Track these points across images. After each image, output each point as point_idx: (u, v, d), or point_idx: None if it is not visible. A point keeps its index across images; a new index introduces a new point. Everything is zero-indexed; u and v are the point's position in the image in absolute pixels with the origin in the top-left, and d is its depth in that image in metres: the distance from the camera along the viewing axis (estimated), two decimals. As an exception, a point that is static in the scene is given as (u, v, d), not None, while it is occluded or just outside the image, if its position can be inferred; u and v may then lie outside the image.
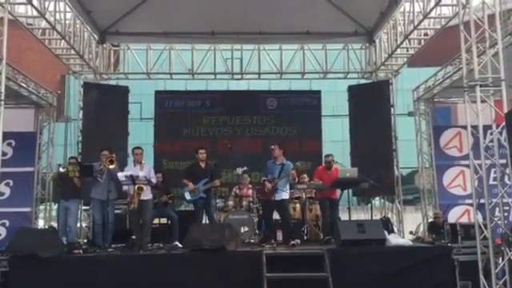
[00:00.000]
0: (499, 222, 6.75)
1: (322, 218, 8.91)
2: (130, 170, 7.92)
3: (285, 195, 8.19)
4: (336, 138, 15.44)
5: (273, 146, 8.29)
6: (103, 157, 8.15)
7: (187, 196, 8.37)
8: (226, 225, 7.90)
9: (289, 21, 10.34)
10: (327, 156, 8.98)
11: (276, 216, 8.42)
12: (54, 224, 9.72)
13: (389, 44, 10.58)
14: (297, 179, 8.58)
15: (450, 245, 7.33)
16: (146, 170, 7.99)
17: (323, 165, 9.04)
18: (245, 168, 8.66)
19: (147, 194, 7.89)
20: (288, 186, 8.28)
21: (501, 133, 6.84)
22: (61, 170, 8.43)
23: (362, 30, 11.07)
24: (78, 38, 10.03)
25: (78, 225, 9.44)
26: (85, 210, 10.23)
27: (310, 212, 9.27)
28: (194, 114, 11.59)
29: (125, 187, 7.82)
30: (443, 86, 9.80)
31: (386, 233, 7.85)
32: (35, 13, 8.42)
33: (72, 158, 9.00)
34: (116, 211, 8.58)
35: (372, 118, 10.98)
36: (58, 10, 9.03)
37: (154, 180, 8.02)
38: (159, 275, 6.84)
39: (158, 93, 12.02)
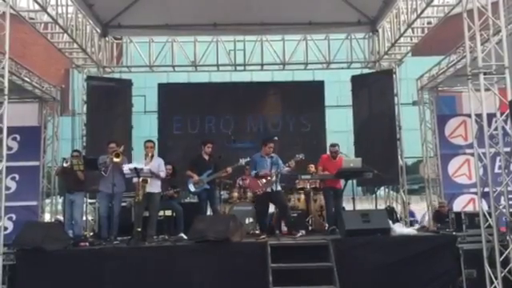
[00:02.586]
0: (504, 211, 6.73)
1: (325, 208, 8.91)
2: (140, 162, 7.99)
3: (279, 187, 8.09)
4: (340, 128, 15.39)
5: (271, 144, 8.12)
6: (110, 149, 8.18)
7: (191, 188, 8.47)
8: (231, 216, 7.93)
9: (291, 11, 10.28)
10: (333, 146, 8.92)
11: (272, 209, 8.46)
12: (60, 217, 9.80)
13: (392, 33, 10.50)
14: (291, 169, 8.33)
15: (454, 233, 7.32)
16: (155, 163, 8.02)
17: (328, 154, 9.02)
18: (248, 159, 8.69)
19: (154, 187, 7.94)
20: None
21: (505, 121, 6.82)
22: (64, 164, 8.47)
23: (364, 19, 10.99)
24: (80, 31, 10.00)
25: (84, 218, 9.51)
26: (90, 203, 10.29)
27: (314, 202, 9.28)
28: (197, 106, 11.59)
29: (134, 180, 7.87)
30: (447, 75, 9.74)
31: (390, 222, 7.87)
32: (37, 7, 8.41)
33: (75, 151, 9.04)
34: (122, 204, 8.61)
35: (376, 108, 10.96)
36: (59, 3, 9.02)
37: (162, 174, 8.04)
38: (165, 267, 6.89)
39: (161, 85, 12.03)
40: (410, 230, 8.17)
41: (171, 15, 10.52)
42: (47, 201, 10.43)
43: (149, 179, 7.78)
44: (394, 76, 10.93)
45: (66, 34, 9.65)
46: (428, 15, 9.40)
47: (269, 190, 7.96)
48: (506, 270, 6.38)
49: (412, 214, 11.73)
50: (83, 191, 8.61)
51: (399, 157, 10.68)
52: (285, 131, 11.30)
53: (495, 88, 6.84)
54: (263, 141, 8.30)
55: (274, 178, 7.93)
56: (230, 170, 8.55)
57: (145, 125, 14.41)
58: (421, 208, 12.57)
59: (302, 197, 9.39)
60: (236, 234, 7.21)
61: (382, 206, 10.58)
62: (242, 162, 8.62)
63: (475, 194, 8.47)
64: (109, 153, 8.14)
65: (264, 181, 7.99)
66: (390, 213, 9.54)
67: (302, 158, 8.14)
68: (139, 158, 8.48)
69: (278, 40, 11.63)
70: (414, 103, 11.31)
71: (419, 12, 8.93)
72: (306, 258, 6.84)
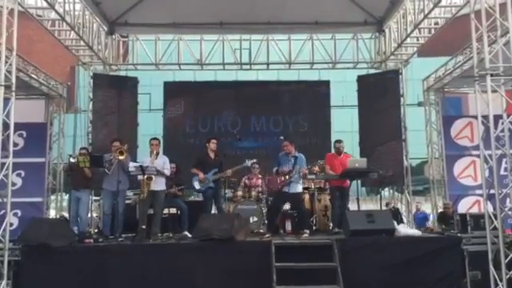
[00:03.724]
0: (510, 213, 6.71)
1: (331, 208, 8.91)
2: (145, 160, 8.03)
3: (299, 188, 8.18)
4: (345, 128, 15.32)
5: (285, 143, 8.21)
6: (114, 147, 8.21)
7: (196, 185, 8.49)
8: (235, 215, 7.92)
9: (297, 11, 10.28)
10: (338, 142, 8.94)
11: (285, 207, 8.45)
12: (65, 214, 9.84)
13: (399, 33, 10.48)
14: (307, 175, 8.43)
15: (459, 235, 7.30)
16: (160, 160, 8.06)
17: (333, 151, 9.05)
18: (254, 160, 8.67)
19: (159, 185, 7.96)
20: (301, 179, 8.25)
21: (512, 123, 6.79)
22: (71, 160, 8.51)
23: (371, 19, 10.99)
24: (87, 29, 10.05)
25: (89, 215, 9.54)
26: (95, 201, 10.32)
27: (318, 202, 9.27)
28: (203, 105, 11.62)
29: (139, 177, 7.89)
30: (453, 76, 9.72)
31: (395, 223, 7.85)
32: (45, 4, 8.46)
33: (83, 148, 9.08)
34: (127, 201, 8.64)
35: (381, 109, 10.94)
36: (67, 1, 9.06)
37: (167, 172, 8.07)
38: (169, 264, 6.89)
39: (166, 84, 12.04)
40: (415, 231, 8.15)
41: (178, 14, 10.54)
42: (52, 197, 10.46)
43: (153, 177, 7.81)
44: (400, 77, 10.92)
45: (72, 32, 9.69)
46: (435, 16, 9.37)
47: (285, 189, 7.98)
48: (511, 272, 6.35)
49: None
50: (89, 188, 8.63)
51: (404, 157, 10.66)
52: (290, 131, 11.29)
53: (502, 89, 6.82)
54: (281, 140, 8.36)
55: (292, 178, 7.94)
56: (229, 172, 8.56)
57: (150, 123, 14.40)
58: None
59: (307, 196, 9.37)
60: (240, 233, 7.21)
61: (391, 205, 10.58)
62: (248, 163, 8.63)
63: (480, 195, 8.44)
64: (113, 151, 8.17)
65: (282, 178, 8.05)
66: (395, 214, 9.51)
67: (320, 163, 8.20)
68: (144, 155, 8.51)
69: (284, 39, 11.63)
70: (420, 104, 11.29)
71: (426, 12, 8.92)
72: (310, 258, 6.82)
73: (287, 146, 8.18)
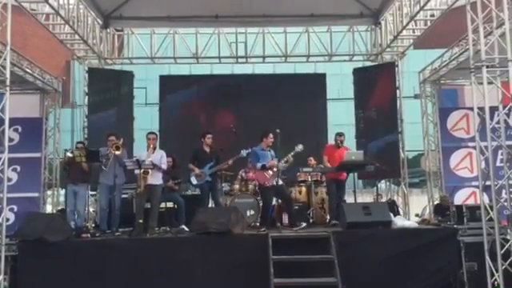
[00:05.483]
0: (505, 204, 6.74)
1: (328, 201, 8.92)
2: (142, 154, 8.03)
3: (280, 180, 8.11)
4: (341, 121, 15.34)
5: (272, 135, 8.13)
6: (110, 142, 8.19)
7: (193, 181, 8.52)
8: (232, 208, 7.94)
9: (293, 3, 10.24)
10: (340, 135, 8.95)
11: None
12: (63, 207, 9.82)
13: (394, 26, 10.45)
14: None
15: (455, 226, 7.34)
16: (157, 155, 8.05)
17: (332, 143, 9.05)
18: (249, 150, 8.67)
19: (156, 179, 7.96)
20: None
21: (507, 114, 6.82)
22: (68, 154, 8.50)
23: (367, 11, 10.94)
24: (81, 22, 9.98)
25: (86, 209, 9.52)
26: (92, 195, 10.29)
27: (315, 195, 9.29)
28: (198, 99, 11.59)
29: (136, 171, 7.88)
30: (450, 68, 9.70)
31: (391, 215, 7.88)
32: (38, -3, 8.40)
33: (79, 142, 9.05)
34: (123, 196, 8.63)
35: (377, 101, 10.93)
36: (61, -6, 9.00)
37: (164, 166, 8.07)
38: (166, 258, 6.92)
39: (162, 77, 12.01)
40: (411, 223, 8.19)
41: (173, 7, 10.47)
42: (49, 192, 10.43)
43: (150, 171, 7.81)
44: (396, 69, 10.91)
45: (67, 26, 9.63)
46: (431, 7, 9.36)
47: (274, 182, 7.98)
48: (507, 262, 6.39)
49: None
50: (87, 183, 8.61)
51: (400, 150, 10.68)
52: (286, 124, 11.21)
53: (498, 81, 6.82)
54: (264, 132, 8.22)
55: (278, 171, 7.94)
56: (230, 162, 8.57)
57: (146, 117, 14.38)
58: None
59: (304, 189, 9.41)
60: (237, 226, 7.23)
61: (382, 199, 10.58)
62: (244, 153, 8.60)
63: (476, 187, 8.44)
64: (109, 146, 8.16)
65: (271, 173, 8.02)
66: (391, 206, 9.53)
67: (301, 149, 8.13)
68: (140, 149, 8.50)
69: (280, 32, 11.60)
70: (416, 96, 11.27)
71: (422, 4, 8.90)
72: (307, 251, 6.85)
73: (273, 139, 8.13)
